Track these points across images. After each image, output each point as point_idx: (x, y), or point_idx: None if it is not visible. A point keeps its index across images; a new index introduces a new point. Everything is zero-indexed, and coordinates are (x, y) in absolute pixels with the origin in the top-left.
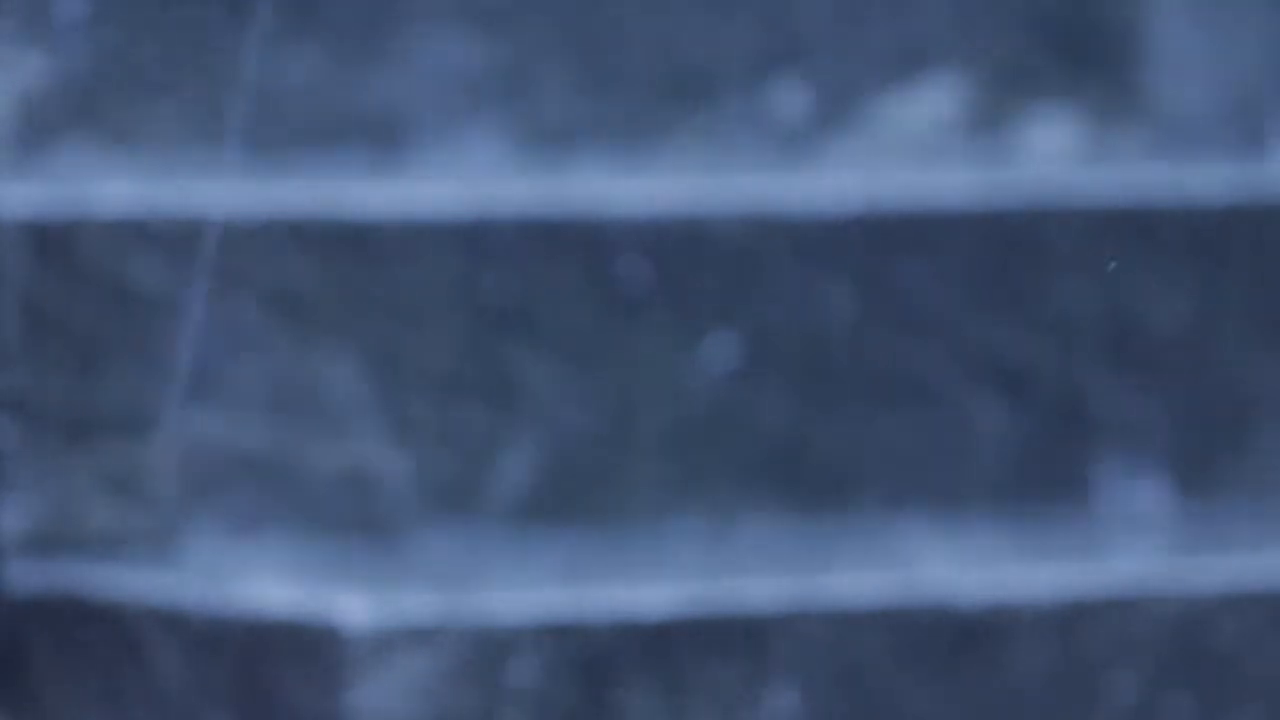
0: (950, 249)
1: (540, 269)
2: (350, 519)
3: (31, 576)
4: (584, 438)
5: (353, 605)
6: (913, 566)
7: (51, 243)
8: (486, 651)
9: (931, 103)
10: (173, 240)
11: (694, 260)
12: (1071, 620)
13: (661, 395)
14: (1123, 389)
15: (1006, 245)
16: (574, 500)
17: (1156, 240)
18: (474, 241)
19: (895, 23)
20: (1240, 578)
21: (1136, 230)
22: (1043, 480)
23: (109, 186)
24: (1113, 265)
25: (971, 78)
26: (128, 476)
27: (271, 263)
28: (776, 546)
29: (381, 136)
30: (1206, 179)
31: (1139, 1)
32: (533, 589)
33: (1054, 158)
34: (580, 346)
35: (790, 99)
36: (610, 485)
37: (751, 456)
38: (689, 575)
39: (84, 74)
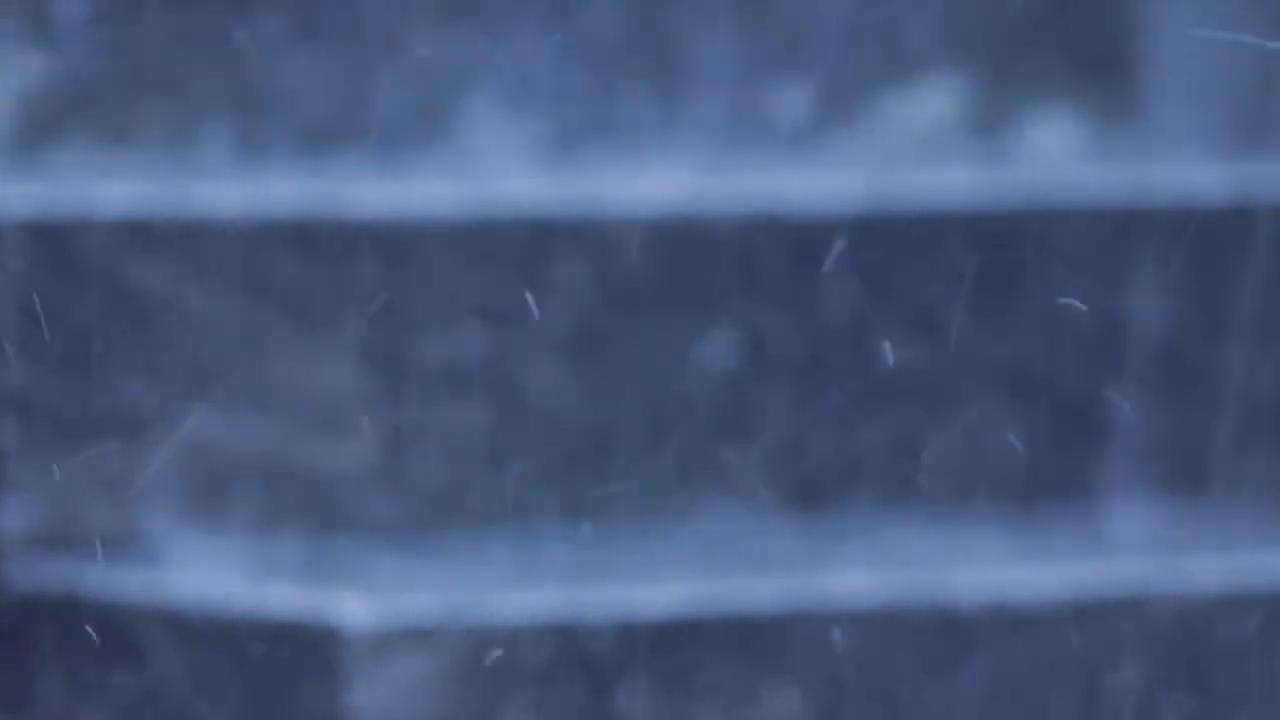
0: (950, 248)
1: (540, 268)
2: (350, 519)
3: (31, 576)
4: (584, 437)
5: (353, 605)
6: (913, 566)
7: (51, 243)
8: (487, 652)
9: (931, 103)
10: (173, 240)
11: (694, 259)
12: (1071, 620)
13: (661, 394)
14: (1122, 387)
15: (1006, 245)
16: (574, 499)
17: (1156, 240)
18: (474, 241)
19: (896, 23)
20: (1240, 578)
21: (1136, 230)
22: (1043, 479)
23: (109, 186)
24: None
25: (971, 78)
26: (128, 476)
27: (271, 263)
28: (776, 546)
29: (382, 136)
30: (1206, 179)
31: (1139, 2)
32: (533, 589)
33: (1054, 158)
34: (580, 345)
35: (790, 99)
36: (610, 485)
37: (751, 456)
38: (689, 575)
39: (84, 74)
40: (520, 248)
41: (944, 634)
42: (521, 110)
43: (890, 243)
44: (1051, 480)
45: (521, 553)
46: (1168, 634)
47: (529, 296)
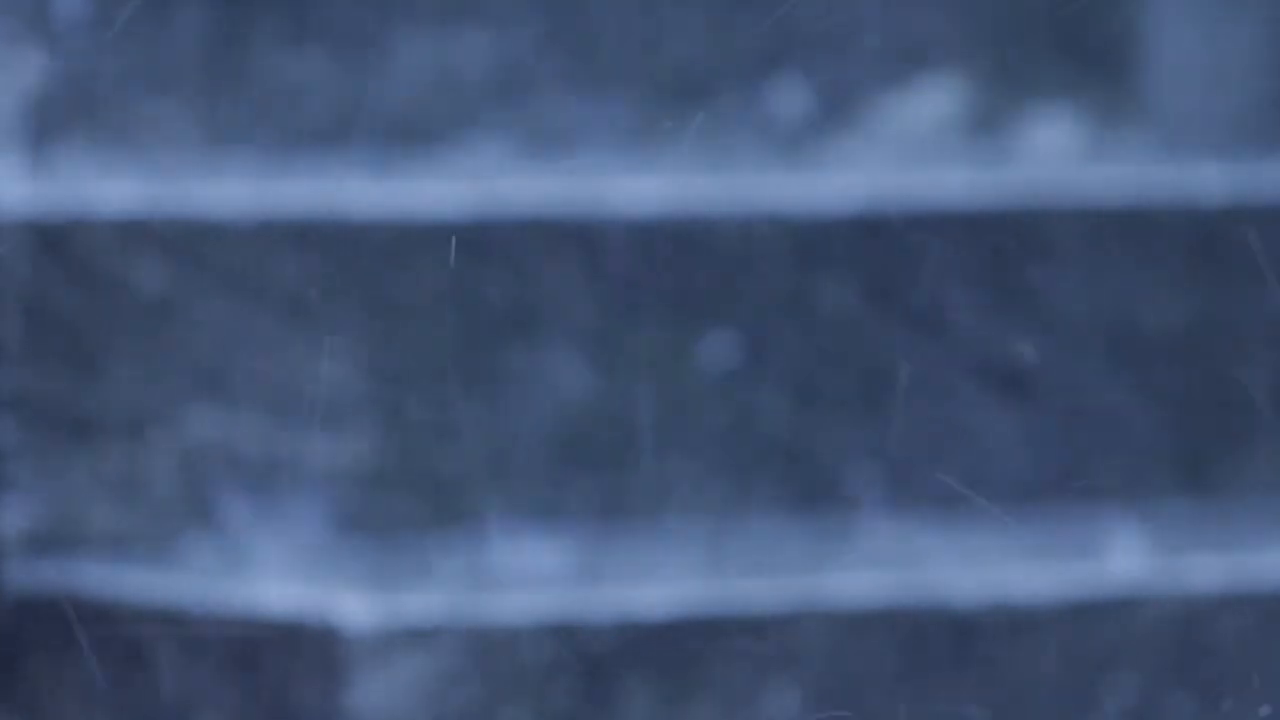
0: (950, 248)
1: (540, 269)
2: (350, 519)
3: (31, 576)
4: (584, 437)
5: (353, 605)
6: (913, 566)
7: (52, 243)
8: (486, 651)
9: (931, 103)
10: (173, 240)
11: (694, 260)
12: (1071, 620)
13: (661, 395)
14: (1122, 388)
15: (1006, 245)
16: (574, 500)
17: (1156, 240)
18: (474, 241)
19: (895, 23)
20: (1240, 578)
21: (1136, 230)
22: (1043, 480)
23: (109, 186)
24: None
25: (971, 78)
26: (128, 476)
27: (271, 263)
28: (776, 546)
29: (382, 136)
30: (1206, 179)
31: (1139, 2)
32: (533, 589)
33: (1054, 158)
34: (580, 346)
35: (790, 99)
36: (610, 485)
37: (751, 456)
38: (689, 575)
39: (84, 74)
40: (519, 248)
41: (944, 634)
42: (520, 110)
43: (890, 243)
44: (1052, 479)
45: (524, 552)
46: (1168, 634)
47: (527, 296)
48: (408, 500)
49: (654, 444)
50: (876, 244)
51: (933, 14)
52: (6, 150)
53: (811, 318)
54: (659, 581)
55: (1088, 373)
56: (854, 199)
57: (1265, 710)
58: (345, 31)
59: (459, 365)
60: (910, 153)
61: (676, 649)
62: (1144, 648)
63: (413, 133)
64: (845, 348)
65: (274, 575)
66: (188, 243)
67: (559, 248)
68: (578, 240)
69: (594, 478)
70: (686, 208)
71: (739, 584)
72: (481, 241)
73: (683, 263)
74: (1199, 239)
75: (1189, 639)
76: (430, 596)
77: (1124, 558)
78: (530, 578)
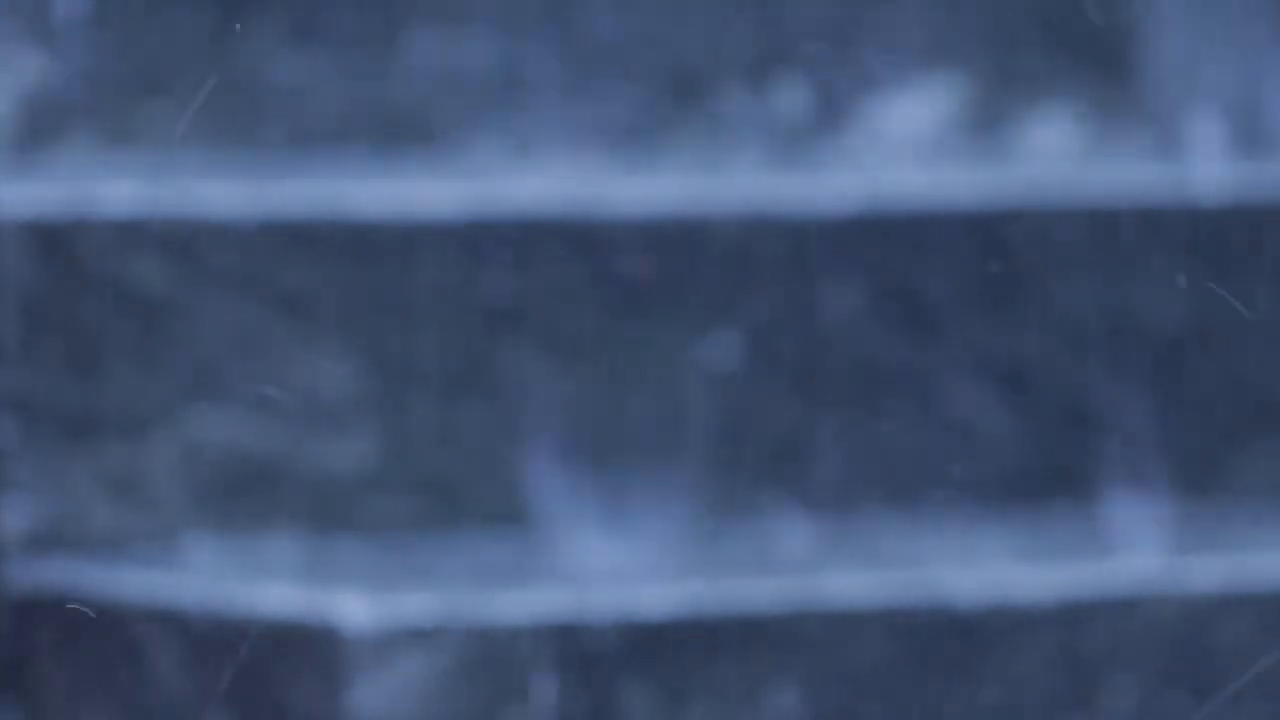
0: (950, 248)
1: (540, 269)
2: (350, 519)
3: (32, 576)
4: (584, 437)
5: (353, 605)
6: (913, 566)
7: (52, 243)
8: (486, 651)
9: (931, 103)
10: (173, 240)
11: (694, 260)
12: (1071, 620)
13: (661, 395)
14: (1123, 388)
15: (1006, 245)
16: (574, 499)
17: (1156, 240)
18: (474, 241)
19: (895, 23)
20: (1240, 578)
21: (1136, 230)
22: (1043, 480)
23: (109, 186)
24: None
25: (971, 78)
26: (128, 477)
27: (271, 263)
28: (776, 546)
29: (382, 136)
30: (1206, 179)
31: (1138, 1)
32: (533, 589)
33: (1054, 157)
34: (580, 346)
35: (790, 99)
36: (610, 484)
37: (752, 456)
38: (689, 575)
39: (84, 74)
40: (519, 248)
41: (944, 634)
42: (519, 110)
43: (889, 243)
44: (1052, 480)
45: (521, 553)
46: (1168, 634)
47: (532, 296)
48: (408, 500)
49: (654, 443)
50: (876, 244)
51: (932, 14)
52: (6, 150)
53: (811, 318)
54: (659, 581)
55: (1087, 372)
56: (854, 199)
57: None
58: (346, 32)
59: (458, 365)
60: (910, 153)
61: (676, 649)
62: (1144, 648)
63: (413, 133)
64: (845, 347)
65: (274, 575)
66: (188, 243)
67: (559, 248)
68: (578, 240)
69: (593, 477)
70: (686, 208)
71: (740, 584)
72: (481, 241)
73: (683, 263)
74: (1199, 239)
75: (1189, 640)
76: (430, 596)
77: (1124, 558)
78: (530, 577)
